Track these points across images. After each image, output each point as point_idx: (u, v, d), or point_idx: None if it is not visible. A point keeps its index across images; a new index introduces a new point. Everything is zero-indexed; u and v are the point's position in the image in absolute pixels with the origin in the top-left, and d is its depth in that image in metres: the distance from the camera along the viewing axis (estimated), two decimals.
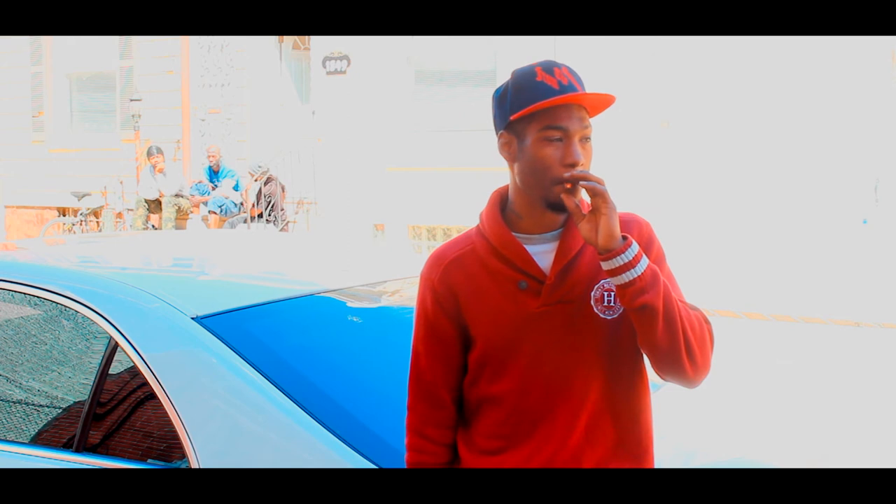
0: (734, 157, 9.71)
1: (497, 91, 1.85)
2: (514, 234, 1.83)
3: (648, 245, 1.84)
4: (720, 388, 2.86)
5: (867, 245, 9.31)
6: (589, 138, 1.79)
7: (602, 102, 1.79)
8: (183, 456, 2.16)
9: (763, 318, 8.17)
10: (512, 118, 1.79)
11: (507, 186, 1.90)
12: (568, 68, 1.80)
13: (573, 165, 1.75)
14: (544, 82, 1.76)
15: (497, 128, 1.85)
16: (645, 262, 1.72)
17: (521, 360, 1.80)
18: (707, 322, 1.84)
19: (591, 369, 1.80)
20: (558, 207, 1.78)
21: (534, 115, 1.77)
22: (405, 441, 1.93)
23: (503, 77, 11.23)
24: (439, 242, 11.00)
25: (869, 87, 9.56)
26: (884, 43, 9.50)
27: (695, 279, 8.67)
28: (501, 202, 1.89)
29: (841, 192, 9.57)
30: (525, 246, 1.82)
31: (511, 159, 1.83)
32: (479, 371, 1.85)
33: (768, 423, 2.70)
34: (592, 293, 1.80)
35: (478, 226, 1.90)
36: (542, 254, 1.82)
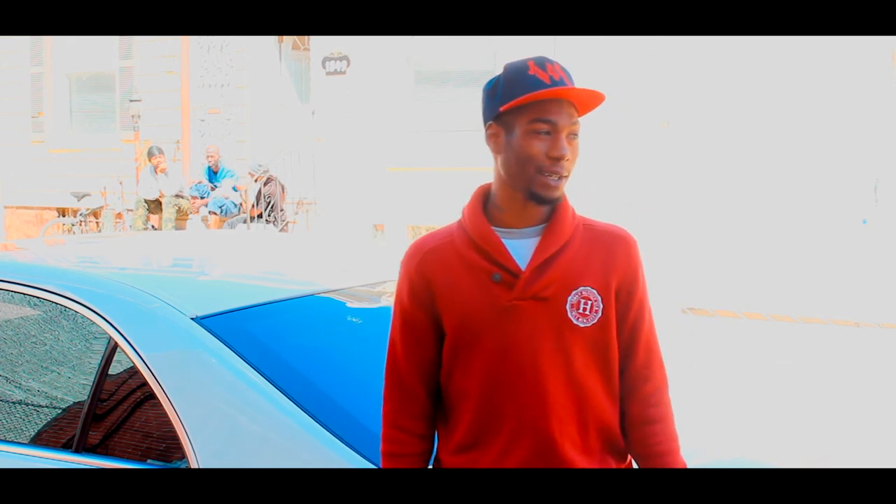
0: (734, 157, 9.70)
1: (488, 83, 1.86)
2: (493, 227, 1.84)
3: (633, 279, 1.85)
4: (720, 388, 2.87)
5: (867, 245, 9.31)
6: (576, 135, 1.81)
7: (592, 100, 1.80)
8: (182, 456, 2.16)
9: (763, 318, 8.17)
10: (502, 109, 1.80)
11: (490, 183, 1.90)
12: (560, 65, 1.81)
13: (559, 159, 1.77)
14: (536, 76, 1.78)
15: (485, 119, 1.86)
16: None
17: (490, 354, 1.80)
18: (668, 392, 1.91)
19: (558, 371, 1.79)
20: (539, 199, 1.79)
21: (523, 107, 1.78)
22: (381, 432, 1.92)
23: None
24: None
25: (869, 87, 9.56)
26: (884, 43, 9.49)
27: (695, 279, 8.68)
28: (484, 197, 1.89)
29: (841, 192, 9.57)
30: (504, 239, 1.82)
31: (497, 150, 1.84)
32: (452, 364, 1.85)
33: (768, 423, 2.70)
34: (569, 297, 1.80)
35: (459, 219, 1.90)
36: (521, 248, 1.82)
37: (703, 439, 2.52)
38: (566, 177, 1.80)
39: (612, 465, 1.87)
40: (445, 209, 10.64)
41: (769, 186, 9.59)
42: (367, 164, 11.28)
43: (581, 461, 1.81)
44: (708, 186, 9.66)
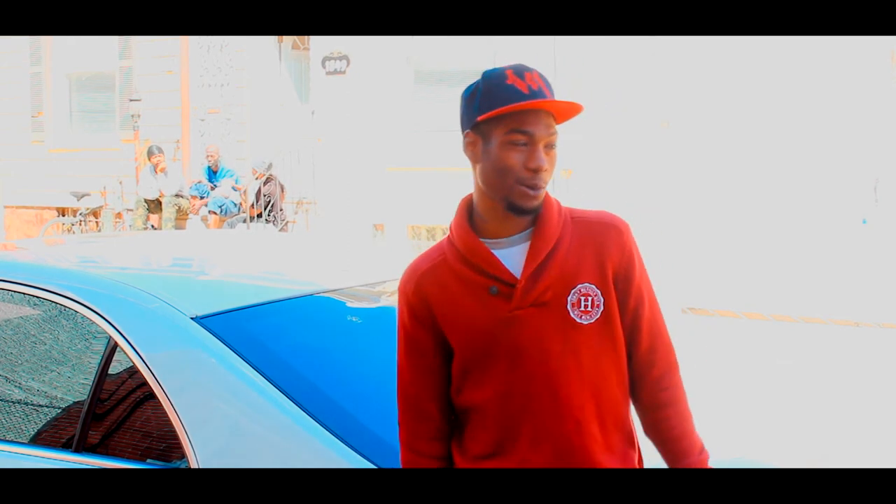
0: (734, 157, 9.71)
1: (467, 90, 1.84)
2: (481, 239, 1.82)
3: (628, 265, 1.84)
4: (720, 388, 2.87)
5: (867, 245, 9.31)
6: (553, 146, 1.79)
7: (570, 110, 1.79)
8: (182, 456, 2.16)
9: (763, 318, 8.17)
10: (479, 119, 1.78)
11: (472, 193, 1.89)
12: (539, 73, 1.80)
13: (536, 171, 1.76)
14: (514, 86, 1.76)
15: (463, 127, 1.84)
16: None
17: (500, 365, 1.80)
18: (678, 373, 1.91)
19: (570, 373, 1.79)
20: (518, 210, 1.78)
21: (501, 117, 1.76)
22: (400, 457, 1.92)
23: None
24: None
25: (869, 87, 9.56)
26: (884, 43, 9.50)
27: (695, 279, 8.68)
28: (468, 209, 1.88)
29: (841, 192, 9.57)
30: (493, 250, 1.81)
31: (475, 160, 1.82)
32: (463, 379, 1.84)
33: (768, 423, 2.70)
34: (569, 298, 1.79)
35: (448, 235, 1.89)
36: (512, 256, 1.81)
37: (703, 439, 2.52)
38: (543, 188, 1.78)
39: (632, 457, 1.87)
40: (445, 209, 10.63)
41: (769, 186, 9.59)
42: (367, 163, 11.28)
43: (605, 460, 1.81)
44: (708, 186, 9.66)
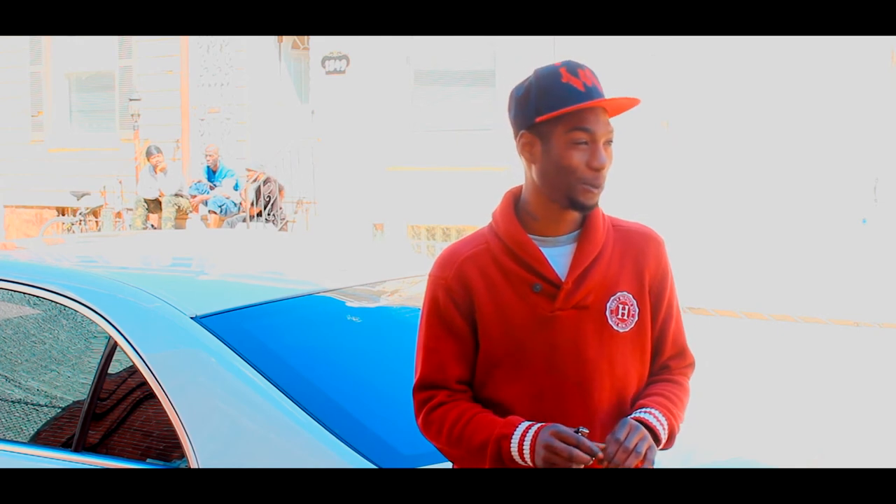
0: (734, 156, 9.71)
1: (518, 90, 1.82)
2: (528, 235, 1.82)
3: (663, 278, 1.87)
4: (720, 387, 2.87)
5: (867, 245, 9.30)
6: (611, 142, 1.80)
7: (626, 105, 1.80)
8: (182, 456, 2.16)
9: (763, 318, 8.17)
10: (538, 120, 1.77)
11: (520, 187, 1.88)
12: (591, 70, 1.79)
13: (599, 169, 1.76)
14: (570, 84, 1.75)
15: (518, 127, 1.82)
16: (664, 436, 1.79)
17: (534, 365, 1.79)
18: (686, 387, 1.92)
19: (602, 378, 1.80)
20: (580, 206, 1.79)
21: (560, 117, 1.75)
22: (417, 419, 1.85)
23: (502, 77, 11.22)
24: (439, 242, 10.99)
25: (869, 87, 9.56)
26: (884, 43, 9.49)
27: (695, 279, 8.68)
28: (515, 202, 1.87)
29: (840, 191, 9.57)
30: (540, 248, 1.81)
31: (532, 160, 1.81)
32: (490, 373, 1.82)
33: (767, 423, 2.70)
34: (608, 304, 1.80)
35: (490, 225, 1.87)
36: (558, 257, 1.81)
37: (701, 439, 2.52)
38: (604, 185, 1.79)
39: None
40: (445, 209, 10.67)
41: (769, 186, 9.59)
42: (367, 163, 11.28)
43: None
44: (708, 186, 9.66)
